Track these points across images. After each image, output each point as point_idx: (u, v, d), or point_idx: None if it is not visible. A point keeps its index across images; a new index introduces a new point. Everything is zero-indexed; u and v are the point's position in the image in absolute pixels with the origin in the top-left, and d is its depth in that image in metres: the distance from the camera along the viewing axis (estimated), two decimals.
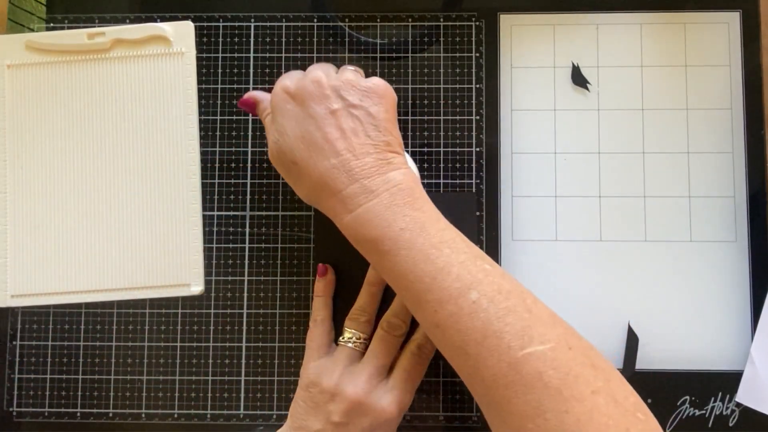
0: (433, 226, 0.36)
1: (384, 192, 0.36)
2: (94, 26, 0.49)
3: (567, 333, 0.33)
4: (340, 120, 0.37)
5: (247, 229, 0.47)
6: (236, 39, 0.49)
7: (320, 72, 0.39)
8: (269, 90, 0.42)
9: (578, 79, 0.48)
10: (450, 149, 0.48)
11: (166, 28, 0.48)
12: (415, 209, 0.36)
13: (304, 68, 0.41)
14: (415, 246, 0.35)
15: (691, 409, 0.45)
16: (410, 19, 0.49)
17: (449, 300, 0.34)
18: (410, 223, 0.36)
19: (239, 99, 0.44)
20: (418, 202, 0.37)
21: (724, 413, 0.45)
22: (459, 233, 0.37)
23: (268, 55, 0.49)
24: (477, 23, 0.49)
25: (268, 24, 0.49)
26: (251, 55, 0.49)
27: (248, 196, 0.48)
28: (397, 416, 0.41)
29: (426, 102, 0.48)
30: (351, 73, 0.39)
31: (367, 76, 0.48)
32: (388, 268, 0.36)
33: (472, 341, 0.33)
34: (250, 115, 0.48)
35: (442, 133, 0.48)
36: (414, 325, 0.44)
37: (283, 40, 0.49)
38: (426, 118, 0.48)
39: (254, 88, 0.48)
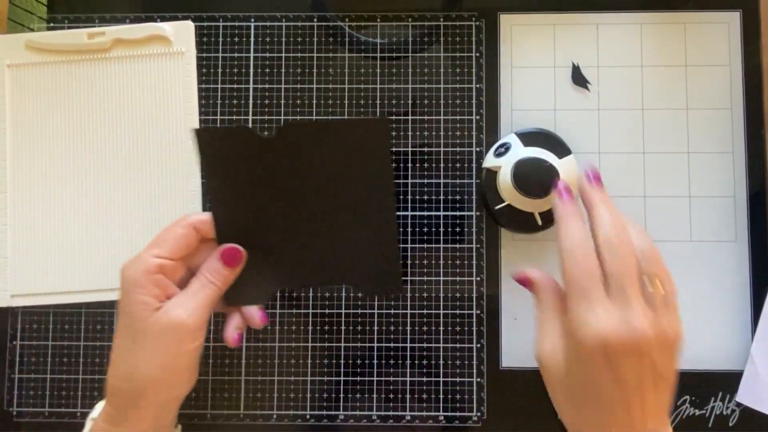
0: None
1: None
2: (94, 26, 0.49)
3: None
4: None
5: None
6: (236, 39, 0.49)
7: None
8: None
9: (578, 79, 0.48)
10: (450, 149, 0.48)
11: (167, 27, 0.48)
12: None
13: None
14: None
15: (691, 408, 0.45)
16: (410, 19, 0.49)
17: None
18: None
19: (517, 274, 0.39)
20: None
21: (725, 413, 0.45)
22: None
23: (268, 55, 0.49)
24: (477, 23, 0.49)
25: (268, 24, 0.49)
26: (251, 55, 0.49)
27: None
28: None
29: (426, 102, 0.48)
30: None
31: (366, 75, 0.48)
32: None
33: None
34: (250, 115, 0.48)
35: (442, 133, 0.48)
36: None
37: (283, 40, 0.49)
38: (426, 118, 0.48)
39: (254, 88, 0.48)
